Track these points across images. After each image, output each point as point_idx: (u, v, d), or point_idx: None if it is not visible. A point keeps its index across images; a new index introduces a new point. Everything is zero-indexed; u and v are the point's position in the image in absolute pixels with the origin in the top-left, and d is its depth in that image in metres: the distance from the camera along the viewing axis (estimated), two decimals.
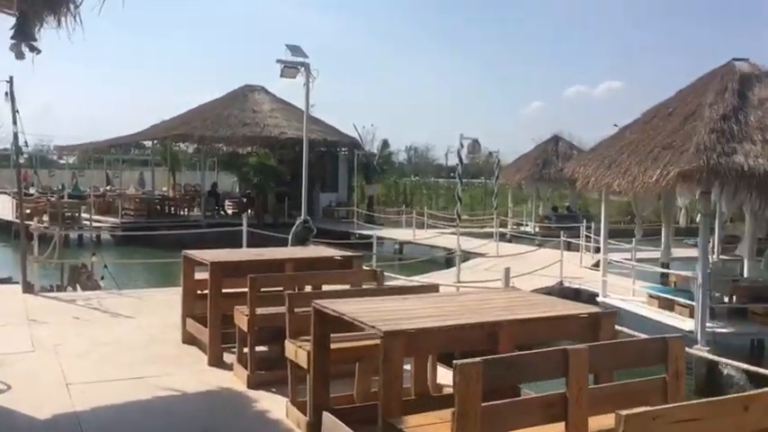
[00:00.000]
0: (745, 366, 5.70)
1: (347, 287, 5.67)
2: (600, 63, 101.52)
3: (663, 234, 12.44)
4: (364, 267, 6.37)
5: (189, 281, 6.60)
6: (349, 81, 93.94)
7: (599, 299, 11.25)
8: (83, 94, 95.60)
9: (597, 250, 17.88)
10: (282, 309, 4.91)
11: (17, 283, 9.29)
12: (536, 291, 13.10)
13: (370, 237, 25.94)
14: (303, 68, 8.31)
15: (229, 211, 30.54)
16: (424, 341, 3.31)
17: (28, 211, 26.28)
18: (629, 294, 11.20)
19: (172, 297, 9.00)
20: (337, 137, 30.07)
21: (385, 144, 31.77)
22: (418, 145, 57.38)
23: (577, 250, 18.40)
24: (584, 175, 10.38)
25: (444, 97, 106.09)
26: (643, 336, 4.42)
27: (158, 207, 28.07)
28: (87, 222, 25.96)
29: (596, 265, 16.94)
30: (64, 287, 9.60)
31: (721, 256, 14.72)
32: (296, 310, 4.52)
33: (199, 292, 6.63)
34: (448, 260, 19.18)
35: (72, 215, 25.44)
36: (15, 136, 8.48)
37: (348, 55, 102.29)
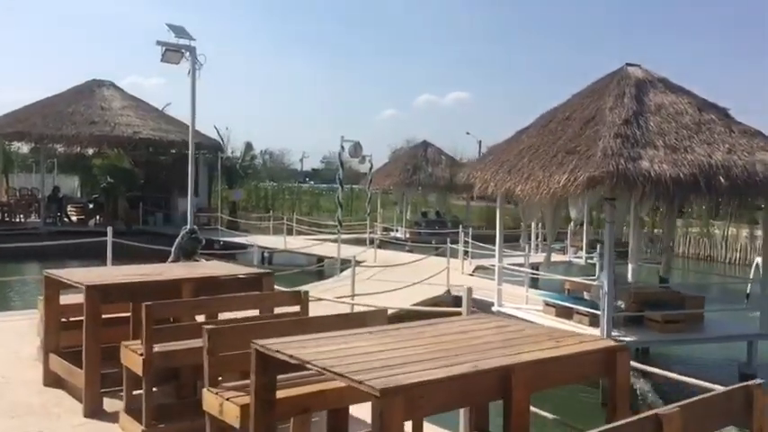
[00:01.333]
0: (677, 378, 5.36)
1: (258, 312, 4.72)
2: (449, 73, 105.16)
3: (548, 241, 12.42)
4: (277, 288, 5.39)
5: (52, 307, 5.28)
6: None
7: (494, 308, 10.94)
8: None
9: (473, 257, 17.90)
10: (183, 344, 3.90)
11: None
12: (426, 300, 12.77)
13: (237, 245, 24.67)
14: (188, 53, 7.14)
15: (74, 218, 27.68)
16: (429, 397, 2.50)
17: None
18: (522, 302, 11.00)
19: (18, 324, 7.48)
20: (198, 138, 28.16)
21: (248, 147, 30.32)
22: (273, 149, 55.99)
23: (453, 257, 18.26)
24: (482, 179, 10.00)
25: (297, 100, 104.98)
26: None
27: None
28: None
29: (476, 271, 16.95)
30: None
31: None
32: (217, 350, 3.52)
33: (64, 319, 5.35)
34: (321, 270, 18.33)
35: None
36: None
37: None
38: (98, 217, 26.74)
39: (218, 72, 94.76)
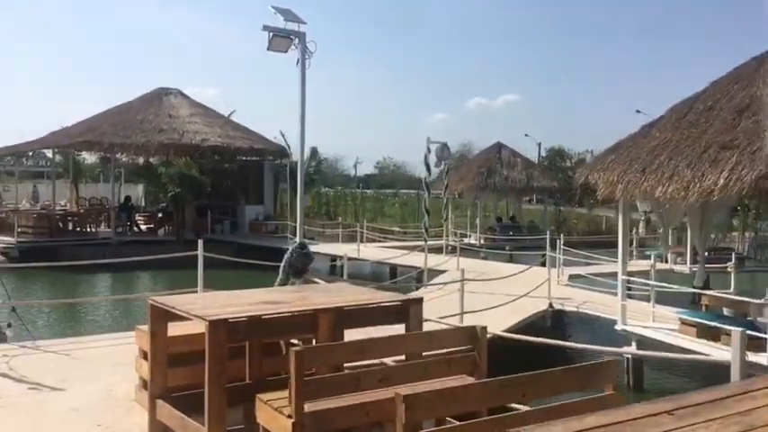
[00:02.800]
0: None
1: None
2: (499, 77, 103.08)
3: (699, 251, 11.04)
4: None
5: (159, 343, 4.38)
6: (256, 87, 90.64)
7: (617, 327, 9.69)
8: None
9: (567, 264, 16.58)
10: (340, 401, 2.92)
11: None
12: (530, 317, 11.57)
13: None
14: (297, 39, 6.21)
15: (143, 227, 27.47)
16: None
17: None
18: (648, 320, 9.70)
19: (111, 350, 6.68)
20: (263, 144, 27.67)
21: (313, 152, 29.58)
22: (327, 154, 55.22)
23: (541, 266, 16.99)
24: (606, 181, 8.79)
25: (346, 105, 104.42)
26: None
27: (60, 224, 24.67)
28: None
29: (571, 280, 15.63)
30: None
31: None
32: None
33: (172, 350, 4.45)
34: (396, 280, 17.27)
35: None
36: None
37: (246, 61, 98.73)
38: (167, 226, 26.44)
39: (271, 77, 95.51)
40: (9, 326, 6.76)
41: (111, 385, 5.52)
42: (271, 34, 6.14)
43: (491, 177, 24.31)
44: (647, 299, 10.20)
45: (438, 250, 21.74)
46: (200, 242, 7.60)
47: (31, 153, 40.46)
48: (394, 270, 19.62)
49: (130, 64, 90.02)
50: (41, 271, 20.16)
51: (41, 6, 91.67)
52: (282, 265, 5.72)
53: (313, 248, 23.79)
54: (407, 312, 4.23)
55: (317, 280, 6.13)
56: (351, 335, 3.97)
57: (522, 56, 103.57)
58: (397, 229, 30.34)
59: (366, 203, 40.19)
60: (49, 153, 33.88)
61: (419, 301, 4.33)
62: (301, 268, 5.73)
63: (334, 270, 22.25)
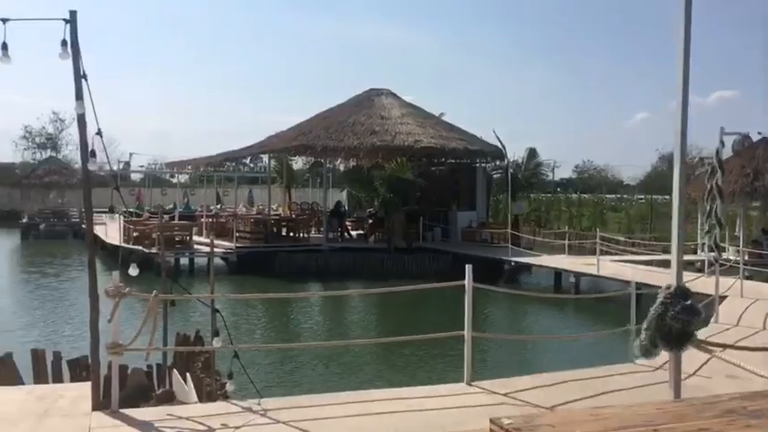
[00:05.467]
0: None
1: None
2: (711, 71, 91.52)
3: None
4: None
5: None
6: (443, 92, 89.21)
7: None
8: (191, 118, 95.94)
9: None
10: None
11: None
12: None
13: (528, 265, 21.37)
14: None
15: (353, 233, 26.67)
16: None
17: (136, 234, 23.60)
18: None
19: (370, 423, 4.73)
20: (478, 145, 25.56)
21: (531, 154, 26.92)
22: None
23: None
24: None
25: (534, 107, 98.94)
26: None
27: (274, 228, 24.51)
28: (199, 247, 22.73)
29: None
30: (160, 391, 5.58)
31: None
32: None
33: None
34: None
35: (182, 239, 22.28)
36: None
37: (448, 68, 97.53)
38: (377, 233, 25.34)
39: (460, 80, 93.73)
40: (230, 377, 5.12)
41: None
42: None
43: (758, 180, 20.01)
44: None
45: (689, 265, 18.09)
46: (469, 269, 5.44)
47: (248, 159, 42.37)
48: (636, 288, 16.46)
49: (339, 75, 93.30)
50: (257, 279, 19.79)
51: (256, 20, 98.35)
52: (648, 320, 3.41)
53: (533, 260, 21.28)
54: None
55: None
56: None
57: (739, 49, 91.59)
58: (621, 238, 26.64)
59: (583, 209, 36.63)
60: (265, 158, 34.77)
61: None
62: (682, 331, 3.33)
63: (560, 286, 19.51)
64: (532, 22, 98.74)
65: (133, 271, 4.90)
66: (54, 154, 53.43)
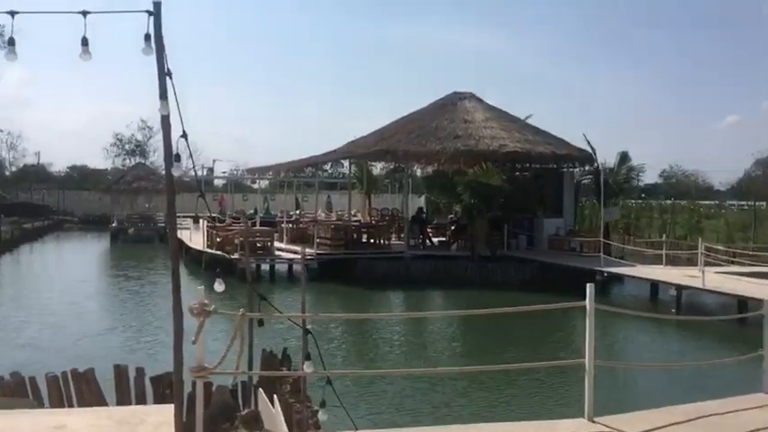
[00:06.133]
0: None
1: None
2: None
3: None
4: None
5: None
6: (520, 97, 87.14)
7: None
8: (270, 125, 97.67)
9: None
10: None
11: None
12: None
13: (620, 276, 20.02)
14: None
15: (434, 240, 26.01)
16: None
17: (218, 239, 23.78)
18: None
19: None
20: (567, 150, 24.41)
21: (623, 158, 25.49)
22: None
23: None
24: None
25: (606, 111, 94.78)
26: None
27: (354, 235, 24.16)
28: (279, 253, 22.65)
29: None
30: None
31: None
32: None
33: None
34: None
35: (264, 244, 22.23)
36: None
37: (517, 75, 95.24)
38: (460, 240, 24.58)
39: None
40: (323, 405, 4.58)
41: None
42: None
43: None
44: None
45: None
46: (590, 288, 4.70)
47: (329, 165, 42.43)
48: (743, 304, 15.06)
49: (419, 81, 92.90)
50: (337, 286, 19.42)
51: (334, 27, 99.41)
52: None
53: (628, 271, 19.88)
54: None
55: None
56: None
57: None
58: (720, 248, 24.82)
59: (677, 217, 34.60)
60: (345, 164, 34.65)
61: None
62: None
63: (657, 299, 18.21)
64: (614, 24, 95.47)
65: (219, 287, 4.44)
66: (142, 160, 55.33)
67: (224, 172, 52.07)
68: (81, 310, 16.27)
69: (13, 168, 63.93)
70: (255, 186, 45.11)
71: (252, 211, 33.93)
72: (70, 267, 26.73)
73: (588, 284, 4.97)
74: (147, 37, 4.69)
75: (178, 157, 4.52)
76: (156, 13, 4.67)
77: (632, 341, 14.05)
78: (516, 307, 5.32)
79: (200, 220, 27.50)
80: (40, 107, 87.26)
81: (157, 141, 60.71)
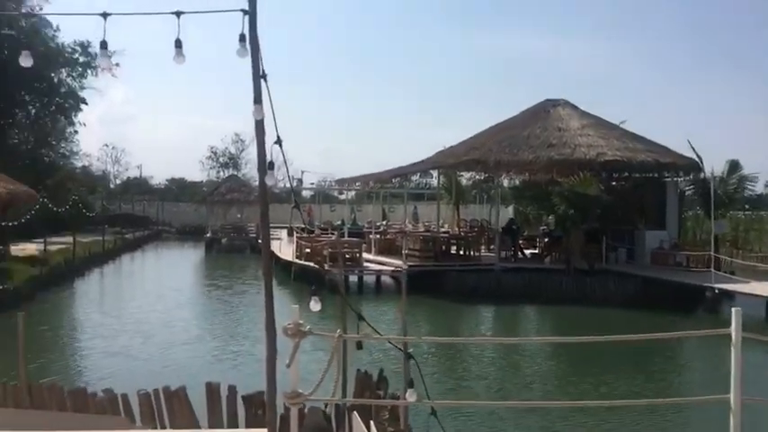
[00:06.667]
0: None
1: None
2: None
3: None
4: None
5: None
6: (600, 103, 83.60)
7: None
8: (353, 137, 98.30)
9: None
10: None
11: None
12: None
13: (731, 294, 18.27)
14: None
15: (526, 252, 25.09)
16: None
17: (308, 250, 23.85)
18: None
19: None
20: (670, 158, 23.01)
21: (733, 167, 23.78)
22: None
23: None
24: None
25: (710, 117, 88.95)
26: None
27: (443, 246, 23.64)
28: (368, 264, 22.44)
29: None
30: None
31: None
32: None
33: None
34: None
35: (352, 255, 22.05)
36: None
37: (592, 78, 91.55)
38: (554, 253, 23.59)
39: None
40: None
41: None
42: None
43: None
44: None
45: None
46: (737, 313, 4.00)
47: (417, 175, 42.12)
48: None
49: (508, 90, 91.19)
50: (427, 298, 18.89)
51: (421, 36, 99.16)
52: None
53: (742, 288, 18.26)
54: None
55: None
56: None
57: None
58: None
59: None
60: (434, 174, 34.17)
61: None
62: None
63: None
64: (713, 28, 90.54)
65: (315, 306, 4.06)
66: (235, 172, 56.86)
67: (312, 183, 52.85)
68: (171, 318, 16.59)
69: (118, 181, 67.29)
70: (342, 197, 45.42)
71: (339, 222, 34.03)
72: (166, 276, 27.53)
73: (734, 309, 4.27)
74: (242, 37, 4.40)
75: (272, 165, 4.20)
76: (251, 12, 4.37)
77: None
78: (647, 334, 4.66)
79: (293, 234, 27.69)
80: (141, 123, 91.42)
81: (249, 154, 62.37)
